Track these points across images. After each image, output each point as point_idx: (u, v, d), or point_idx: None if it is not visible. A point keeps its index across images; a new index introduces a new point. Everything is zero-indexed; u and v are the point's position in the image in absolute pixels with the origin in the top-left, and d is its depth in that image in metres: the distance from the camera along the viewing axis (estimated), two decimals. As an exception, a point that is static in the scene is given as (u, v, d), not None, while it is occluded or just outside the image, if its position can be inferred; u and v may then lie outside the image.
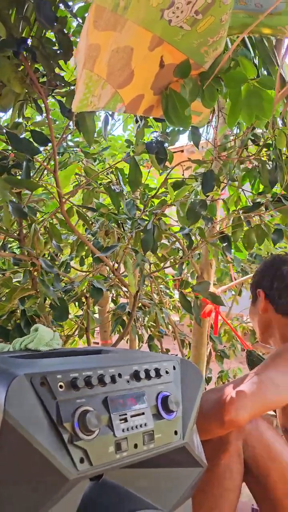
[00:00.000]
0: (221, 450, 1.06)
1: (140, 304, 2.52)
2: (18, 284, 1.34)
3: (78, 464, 0.60)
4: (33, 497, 0.59)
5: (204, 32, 1.11)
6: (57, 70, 1.16)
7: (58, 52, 1.14)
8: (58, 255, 2.00)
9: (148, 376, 0.75)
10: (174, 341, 2.80)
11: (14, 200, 1.25)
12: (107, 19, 0.88)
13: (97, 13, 0.85)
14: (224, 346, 3.09)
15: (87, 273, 2.03)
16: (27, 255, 1.36)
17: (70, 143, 2.17)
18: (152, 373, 0.76)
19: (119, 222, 1.75)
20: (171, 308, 3.24)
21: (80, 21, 1.16)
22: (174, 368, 0.81)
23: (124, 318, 2.12)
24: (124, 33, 0.95)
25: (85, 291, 1.79)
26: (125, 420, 0.68)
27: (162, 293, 2.89)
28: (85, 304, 2.07)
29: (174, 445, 0.75)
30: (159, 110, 1.29)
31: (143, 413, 0.71)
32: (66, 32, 1.10)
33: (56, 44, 1.16)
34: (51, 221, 1.65)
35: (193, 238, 1.80)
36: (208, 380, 2.68)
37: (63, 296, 1.36)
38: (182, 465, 0.80)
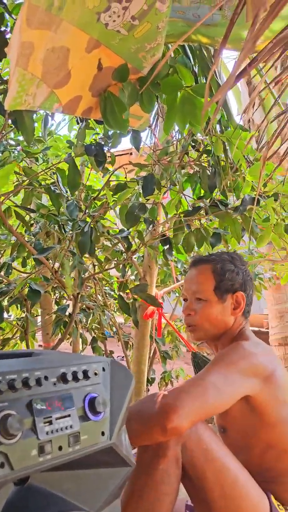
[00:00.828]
0: (160, 456, 1.06)
1: (84, 306, 2.50)
2: None
3: (-2, 469, 0.59)
4: None
5: (141, 37, 1.13)
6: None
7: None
8: (-1, 256, 1.95)
9: (75, 378, 0.75)
10: (118, 343, 2.81)
11: None
12: (40, 18, 0.87)
13: (30, 11, 0.84)
14: (170, 347, 3.14)
15: (30, 274, 1.99)
16: None
17: (12, 142, 2.12)
18: (80, 375, 0.76)
19: (60, 223, 1.73)
20: (115, 310, 3.25)
21: (15, 18, 1.14)
22: (103, 369, 0.82)
23: (67, 320, 2.09)
24: (59, 33, 0.94)
25: (23, 294, 1.75)
26: (50, 422, 0.67)
27: (107, 295, 2.89)
28: (25, 306, 2.03)
29: (101, 445, 0.75)
30: (97, 113, 1.29)
31: (69, 415, 0.70)
32: (2, 29, 1.07)
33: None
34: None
35: (135, 240, 1.83)
36: (151, 381, 2.70)
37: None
38: (110, 466, 0.81)
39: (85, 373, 0.77)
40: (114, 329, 2.85)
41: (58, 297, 2.92)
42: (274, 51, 1.04)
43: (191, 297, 1.32)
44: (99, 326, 2.78)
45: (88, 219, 1.63)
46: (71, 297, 2.72)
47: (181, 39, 0.97)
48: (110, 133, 1.71)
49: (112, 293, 3.16)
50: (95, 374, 0.79)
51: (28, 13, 0.84)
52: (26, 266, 2.20)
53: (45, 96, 1.05)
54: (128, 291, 1.71)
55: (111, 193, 1.70)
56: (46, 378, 0.70)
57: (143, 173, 1.88)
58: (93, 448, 0.73)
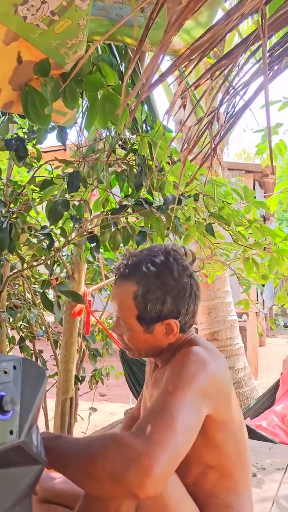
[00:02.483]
0: (111, 510, 0.93)
1: (11, 305, 2.44)
2: None
3: None
4: None
5: (62, 33, 1.12)
6: None
7: None
8: None
9: (-17, 377, 0.73)
10: (48, 342, 2.77)
11: None
12: None
13: None
14: (101, 345, 3.14)
15: None
16: None
17: None
18: (-12, 374, 0.74)
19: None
20: (45, 309, 3.19)
21: None
22: (14, 367, 0.81)
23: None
24: (-28, 23, 0.92)
25: None
26: None
27: (36, 293, 2.83)
28: None
29: (10, 444, 0.74)
30: (19, 107, 1.27)
31: (-27, 415, 0.69)
32: None
33: None
34: None
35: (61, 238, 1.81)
36: (81, 380, 2.69)
37: None
38: (18, 465, 0.80)
39: (-7, 371, 0.76)
40: (43, 328, 2.80)
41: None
42: (192, 58, 1.08)
43: (117, 317, 1.13)
44: (27, 325, 2.72)
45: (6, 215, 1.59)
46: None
47: (101, 39, 0.99)
48: (35, 128, 1.69)
49: (41, 290, 3.10)
50: (5, 372, 0.78)
51: None
52: None
53: None
54: (51, 288, 1.70)
55: (33, 188, 1.67)
56: None
57: (70, 170, 1.87)
58: (2, 446, 0.72)
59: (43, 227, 1.53)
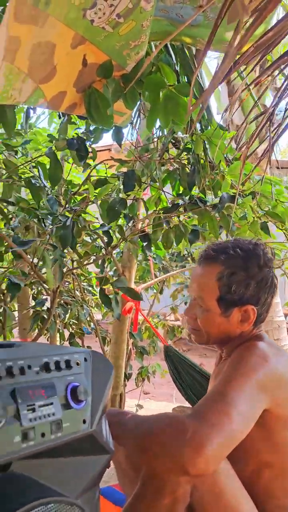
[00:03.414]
0: (167, 491, 0.94)
1: (62, 302, 2.50)
2: None
3: (-18, 454, 0.60)
4: None
5: (125, 35, 1.14)
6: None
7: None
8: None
9: (58, 368, 0.76)
10: (96, 339, 2.83)
11: None
12: (28, 12, 0.88)
13: (18, 6, 0.85)
14: (147, 343, 3.17)
15: (6, 269, 1.98)
16: None
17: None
18: (62, 365, 0.77)
19: (40, 217, 1.73)
20: (93, 306, 3.26)
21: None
22: (85, 360, 0.83)
23: (44, 315, 2.10)
24: (46, 28, 0.95)
25: (3, 287, 1.75)
26: (33, 410, 0.69)
27: (85, 291, 2.89)
28: (1, 301, 2.02)
29: (82, 433, 0.77)
30: (82, 108, 1.30)
31: (51, 403, 0.72)
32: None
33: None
34: None
35: (116, 235, 1.84)
36: (128, 376, 2.73)
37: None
38: (89, 453, 0.83)
39: (67, 362, 0.79)
40: (92, 325, 2.86)
41: (35, 292, 2.90)
42: (255, 55, 1.07)
43: (194, 298, 1.15)
44: (76, 322, 2.79)
45: (67, 213, 1.64)
46: (50, 292, 2.72)
47: (167, 39, 1.00)
48: (91, 128, 1.73)
49: (91, 288, 3.17)
50: (77, 364, 0.81)
51: (16, 7, 0.84)
52: (3, 261, 2.19)
53: (30, 91, 1.06)
54: (108, 285, 1.73)
55: (87, 188, 1.71)
56: (29, 367, 0.72)
57: (124, 169, 1.90)
58: (74, 435, 0.75)
59: (102, 225, 1.57)
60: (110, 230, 1.55)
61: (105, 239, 1.56)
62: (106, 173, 1.88)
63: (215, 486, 0.93)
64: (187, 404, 3.06)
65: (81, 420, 0.77)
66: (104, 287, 1.61)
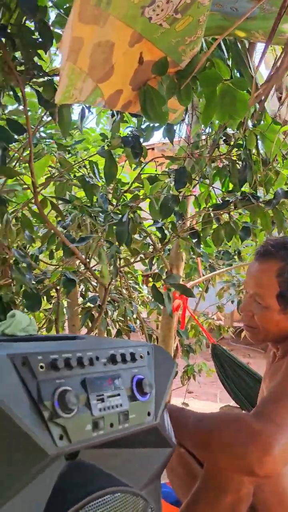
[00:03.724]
0: (230, 489, 0.94)
1: (109, 299, 2.54)
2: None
3: (58, 440, 0.62)
4: (14, 472, 0.61)
5: (182, 31, 1.14)
6: (35, 59, 1.16)
7: (38, 41, 1.15)
8: (27, 247, 2.00)
9: (124, 360, 0.78)
10: (142, 336, 2.85)
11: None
12: (91, 13, 0.90)
13: (82, 6, 0.87)
14: (189, 343, 3.16)
15: (57, 266, 2.03)
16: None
17: (43, 134, 2.16)
18: (128, 357, 0.79)
19: (92, 215, 1.77)
20: (139, 304, 3.28)
21: (62, 11, 1.17)
22: (148, 353, 0.84)
23: (93, 312, 2.13)
24: (106, 28, 0.97)
25: (55, 283, 1.79)
26: (102, 400, 0.70)
27: (131, 288, 2.92)
28: (53, 297, 2.07)
29: (147, 425, 0.78)
30: (137, 106, 1.32)
31: (118, 394, 0.74)
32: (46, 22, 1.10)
33: (36, 34, 1.17)
34: (23, 212, 1.65)
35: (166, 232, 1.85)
36: (175, 374, 2.73)
37: (36, 286, 1.36)
38: (152, 446, 0.84)
39: (132, 355, 0.80)
40: (138, 322, 2.88)
41: (83, 290, 2.96)
42: None
43: (250, 295, 1.13)
44: (123, 319, 2.82)
45: (120, 210, 1.66)
46: (96, 290, 2.77)
47: (224, 34, 0.99)
48: (142, 126, 1.74)
49: (137, 286, 3.20)
50: (141, 357, 0.82)
51: (80, 8, 0.87)
52: (53, 259, 2.25)
53: (90, 90, 1.08)
54: (159, 283, 1.74)
55: (137, 185, 1.73)
56: (97, 358, 0.74)
57: (174, 166, 1.90)
58: (140, 427, 0.76)
59: (155, 222, 1.58)
60: (164, 227, 1.56)
61: (157, 236, 1.56)
62: (156, 170, 1.89)
63: (278, 486, 0.93)
64: (232, 404, 3.02)
65: (146, 412, 0.78)
66: (156, 283, 1.62)
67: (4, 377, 0.60)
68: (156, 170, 1.89)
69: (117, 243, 1.41)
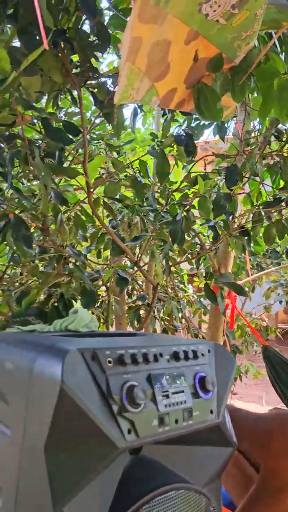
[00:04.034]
0: None
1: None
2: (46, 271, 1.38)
3: (126, 434, 0.63)
4: (83, 463, 0.62)
5: (238, 26, 1.13)
6: (92, 61, 1.18)
7: (95, 43, 1.17)
8: (75, 246, 2.04)
9: (186, 357, 0.78)
10: (187, 335, 2.84)
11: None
12: (150, 12, 0.91)
13: (142, 6, 0.87)
14: (235, 344, 3.11)
15: (106, 265, 2.06)
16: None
17: (92, 135, 2.20)
18: (190, 354, 0.79)
19: (142, 214, 1.78)
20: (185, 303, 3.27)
21: (119, 13, 1.18)
22: (209, 351, 0.84)
23: (141, 311, 2.15)
24: (164, 26, 0.98)
25: (105, 282, 1.82)
26: (167, 396, 0.71)
27: (177, 288, 2.92)
28: (102, 296, 2.11)
29: (210, 423, 0.77)
30: (190, 104, 1.31)
31: (182, 391, 0.74)
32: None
33: (92, 36, 1.19)
34: (76, 212, 1.69)
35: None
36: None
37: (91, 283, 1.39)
38: (214, 444, 0.83)
39: (194, 353, 0.80)
40: (183, 321, 2.88)
41: (129, 289, 2.99)
42: None
43: None
44: (168, 318, 2.82)
45: (170, 209, 1.66)
46: (142, 289, 2.78)
47: (283, 28, 0.97)
48: (192, 125, 1.73)
49: (182, 285, 3.19)
50: (203, 355, 0.82)
51: (141, 8, 0.87)
52: (100, 258, 2.29)
53: (146, 90, 1.09)
54: (209, 281, 1.73)
55: (187, 184, 1.72)
56: (161, 355, 0.74)
57: (224, 164, 1.88)
58: (203, 424, 0.76)
59: (207, 220, 1.57)
60: (216, 225, 1.54)
61: (203, 234, 1.55)
62: (205, 168, 1.88)
63: None
64: (280, 406, 2.95)
65: (208, 410, 0.78)
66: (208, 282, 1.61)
67: (76, 370, 0.62)
68: (205, 169, 1.88)
69: (170, 242, 1.41)
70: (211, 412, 0.78)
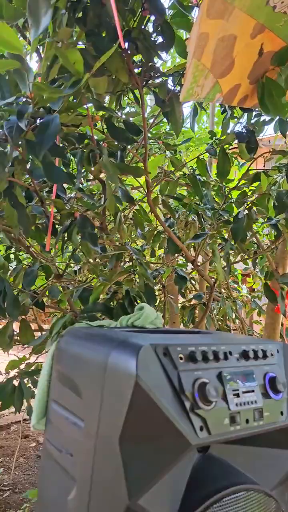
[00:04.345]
0: None
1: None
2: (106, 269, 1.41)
3: (199, 431, 0.63)
4: (156, 458, 0.63)
5: (307, 18, 1.09)
6: (156, 60, 1.19)
7: (158, 43, 1.17)
8: (129, 245, 2.06)
9: (255, 356, 0.77)
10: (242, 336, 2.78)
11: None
12: (218, 7, 0.90)
13: (211, 1, 0.87)
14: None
15: (162, 264, 2.07)
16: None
17: (149, 135, 2.22)
18: (260, 354, 0.77)
19: (199, 213, 1.77)
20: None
21: (184, 10, 1.18)
22: (278, 351, 0.82)
23: (195, 311, 2.14)
24: (230, 21, 0.96)
25: (161, 280, 1.83)
26: (238, 395, 0.70)
27: (231, 288, 2.87)
28: (158, 295, 2.11)
29: (280, 424, 0.76)
30: (253, 100, 1.29)
31: (253, 391, 0.72)
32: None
33: (155, 35, 1.20)
34: (135, 211, 1.70)
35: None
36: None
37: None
38: (282, 446, 0.81)
39: (263, 352, 0.78)
40: (237, 321, 2.83)
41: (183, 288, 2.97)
42: None
43: None
44: (222, 318, 2.79)
45: (227, 207, 1.64)
46: (195, 288, 2.76)
47: None
48: (252, 121, 1.70)
49: (236, 285, 3.14)
50: (272, 354, 0.80)
51: (209, 4, 0.87)
52: (154, 257, 2.30)
53: (210, 87, 1.08)
54: (269, 281, 1.69)
55: (244, 182, 1.69)
56: (230, 353, 0.73)
57: (284, 161, 1.83)
58: (274, 425, 0.74)
59: (269, 218, 1.54)
60: (278, 224, 1.51)
61: (260, 233, 1.51)
62: (264, 166, 1.83)
63: None
64: None
65: (279, 411, 0.76)
66: (268, 281, 1.57)
67: (149, 366, 0.62)
68: (264, 166, 1.84)
69: (231, 241, 1.39)
70: (281, 413, 0.76)
